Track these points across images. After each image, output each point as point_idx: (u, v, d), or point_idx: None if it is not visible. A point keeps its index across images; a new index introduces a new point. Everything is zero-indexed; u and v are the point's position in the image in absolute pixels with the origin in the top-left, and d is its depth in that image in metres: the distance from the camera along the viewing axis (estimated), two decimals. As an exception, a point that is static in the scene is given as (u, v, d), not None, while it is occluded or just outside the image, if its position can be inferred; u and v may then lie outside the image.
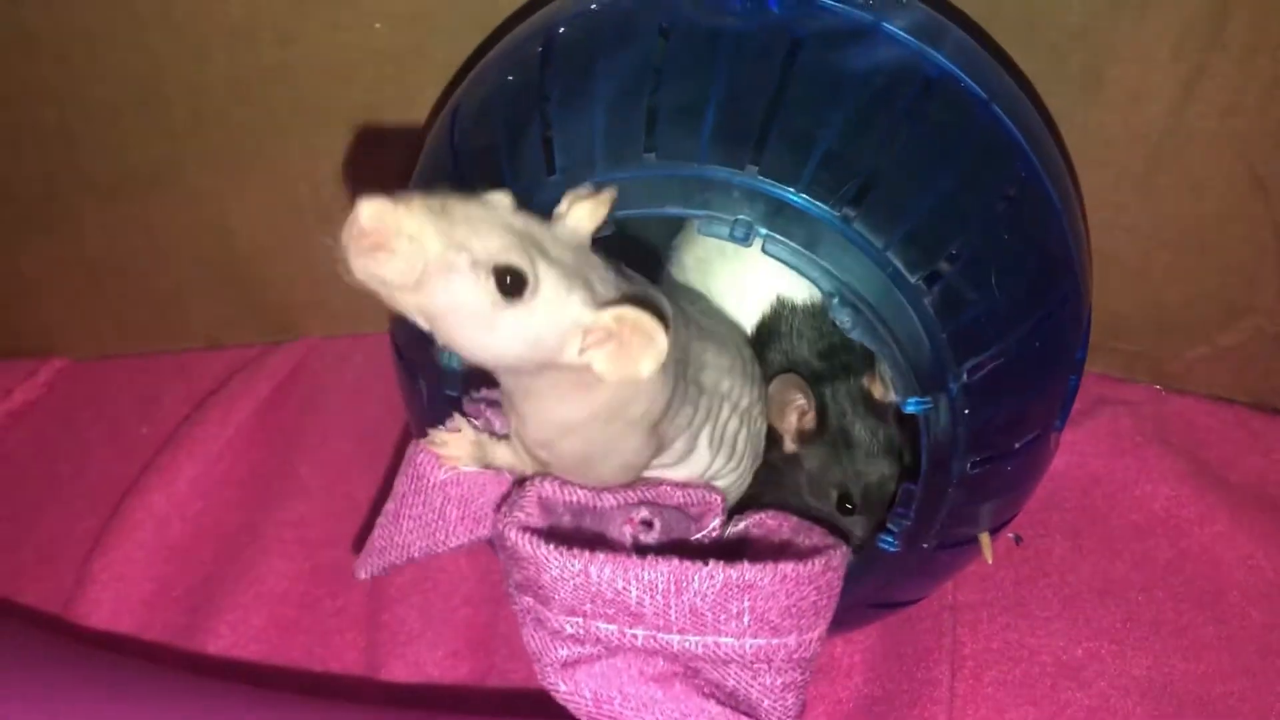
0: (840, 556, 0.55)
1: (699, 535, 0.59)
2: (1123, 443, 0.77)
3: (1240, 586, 0.70)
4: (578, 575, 0.51)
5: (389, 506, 0.58)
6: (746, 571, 0.51)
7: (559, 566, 0.51)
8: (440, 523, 0.57)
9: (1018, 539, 0.73)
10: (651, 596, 0.51)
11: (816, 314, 0.63)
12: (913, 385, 0.51)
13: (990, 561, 0.60)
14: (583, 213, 0.47)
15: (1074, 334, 0.58)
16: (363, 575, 0.58)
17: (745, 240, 0.49)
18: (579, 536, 0.54)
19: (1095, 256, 0.70)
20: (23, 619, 0.73)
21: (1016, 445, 0.55)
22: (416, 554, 0.58)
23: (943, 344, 0.50)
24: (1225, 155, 0.69)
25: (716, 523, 0.58)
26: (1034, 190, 0.54)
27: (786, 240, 0.49)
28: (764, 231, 0.49)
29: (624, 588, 0.51)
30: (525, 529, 0.53)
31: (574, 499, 0.55)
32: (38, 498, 0.82)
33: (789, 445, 0.61)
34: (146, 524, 0.77)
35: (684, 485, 0.58)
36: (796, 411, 0.60)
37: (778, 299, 0.63)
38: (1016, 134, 0.54)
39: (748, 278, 0.63)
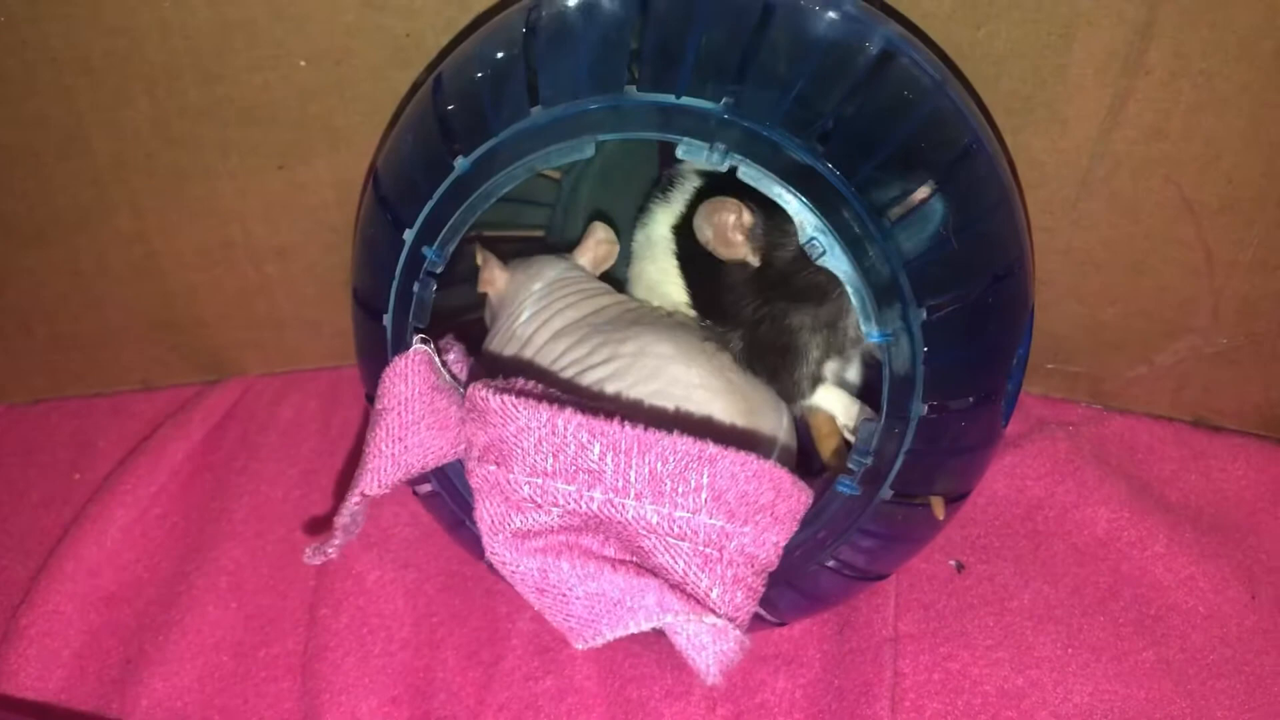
0: (805, 483, 0.57)
1: None
2: (1062, 465, 0.77)
3: (1180, 609, 0.70)
4: (544, 425, 0.53)
5: (388, 422, 0.58)
6: (710, 447, 0.53)
7: (527, 415, 0.53)
8: (452, 427, 0.59)
9: (959, 566, 0.73)
10: (614, 454, 0.53)
11: None
12: (877, 317, 0.53)
13: (941, 518, 0.60)
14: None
15: (1022, 311, 0.60)
16: (375, 490, 0.57)
17: (722, 162, 0.52)
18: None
19: (1029, 280, 0.71)
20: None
21: (970, 400, 0.57)
22: (432, 463, 0.59)
23: (905, 280, 0.53)
24: (1153, 179, 0.69)
25: None
26: (988, 163, 0.58)
27: (760, 166, 0.52)
28: (739, 156, 0.52)
29: (588, 441, 0.53)
30: (495, 388, 0.55)
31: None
32: (-33, 548, 0.80)
33: (749, 257, 0.63)
34: (77, 574, 0.75)
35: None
36: (733, 214, 0.61)
37: None
38: (967, 113, 0.58)
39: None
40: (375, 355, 0.62)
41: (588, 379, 0.62)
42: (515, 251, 0.74)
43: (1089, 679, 0.67)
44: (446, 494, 0.64)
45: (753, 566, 0.55)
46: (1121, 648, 0.68)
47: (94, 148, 0.75)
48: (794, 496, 0.56)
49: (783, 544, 0.56)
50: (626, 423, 0.53)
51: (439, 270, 0.58)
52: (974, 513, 0.75)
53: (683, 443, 0.53)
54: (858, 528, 0.59)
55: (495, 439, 0.55)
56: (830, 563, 0.61)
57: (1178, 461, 0.78)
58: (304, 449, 0.83)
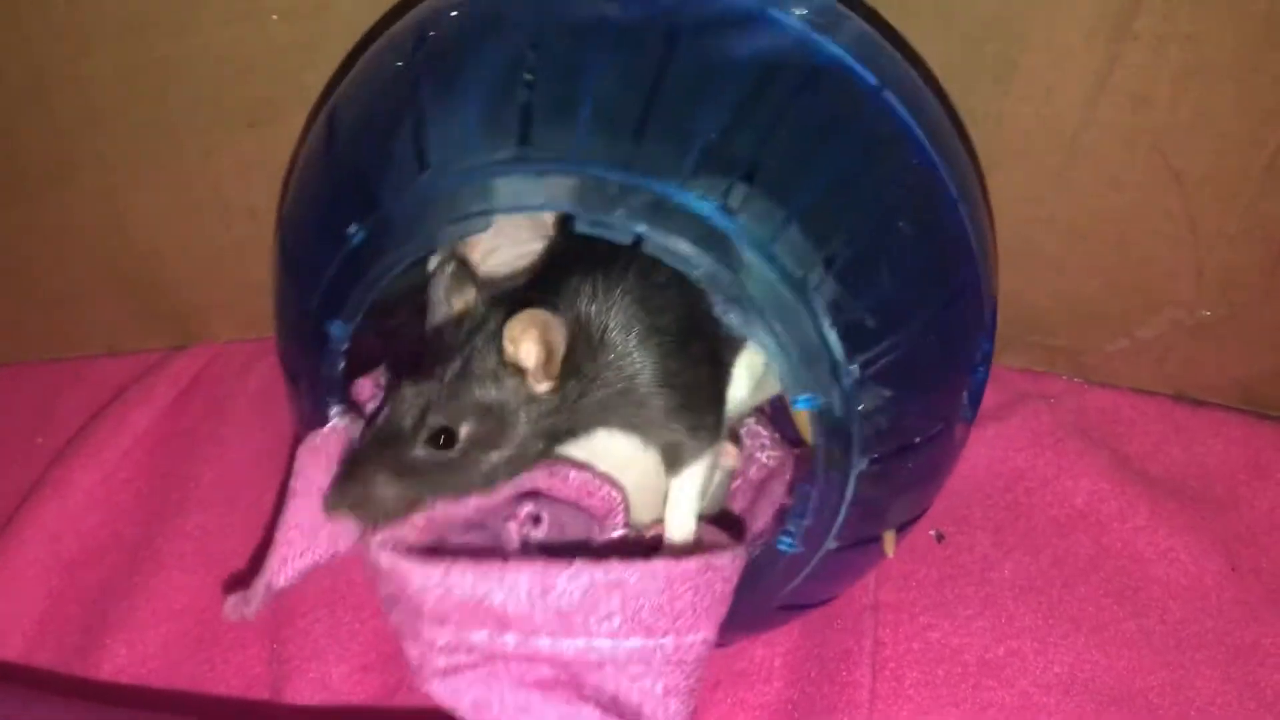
0: (730, 559, 0.53)
1: (604, 538, 0.57)
2: (1044, 438, 0.76)
3: (1160, 581, 0.70)
4: (439, 585, 0.50)
5: (297, 508, 0.55)
6: (614, 570, 0.50)
7: (421, 577, 0.50)
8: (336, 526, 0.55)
9: (940, 537, 0.72)
10: (516, 601, 0.49)
11: None
12: (803, 382, 0.49)
13: (890, 555, 0.59)
14: None
15: (975, 326, 0.57)
16: (283, 583, 0.55)
17: (625, 237, 0.47)
18: (464, 550, 0.53)
19: (1013, 250, 0.70)
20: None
21: (917, 440, 0.53)
22: (343, 549, 0.56)
23: (833, 338, 0.49)
24: (1140, 148, 0.69)
25: (620, 522, 0.57)
26: (928, 180, 0.53)
27: (668, 236, 0.47)
28: (644, 229, 0.47)
29: (487, 593, 0.49)
30: (386, 544, 0.52)
31: (464, 513, 0.54)
32: (-75, 514, 0.78)
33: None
34: (39, 539, 0.73)
35: (583, 473, 0.57)
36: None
37: None
38: (910, 122, 0.52)
39: None
40: (298, 418, 0.59)
41: None
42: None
43: (1069, 649, 0.67)
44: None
45: (684, 670, 0.53)
46: (1102, 618, 0.68)
47: (57, 102, 0.73)
48: (714, 586, 0.53)
49: (712, 637, 0.53)
50: (522, 563, 0.50)
51: (345, 349, 0.53)
52: (954, 484, 0.73)
53: (584, 573, 0.50)
54: (804, 575, 0.56)
55: (397, 593, 0.52)
56: (779, 605, 0.59)
57: (1159, 435, 0.78)
58: (273, 417, 0.81)
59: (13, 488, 0.78)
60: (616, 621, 0.50)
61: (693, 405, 0.56)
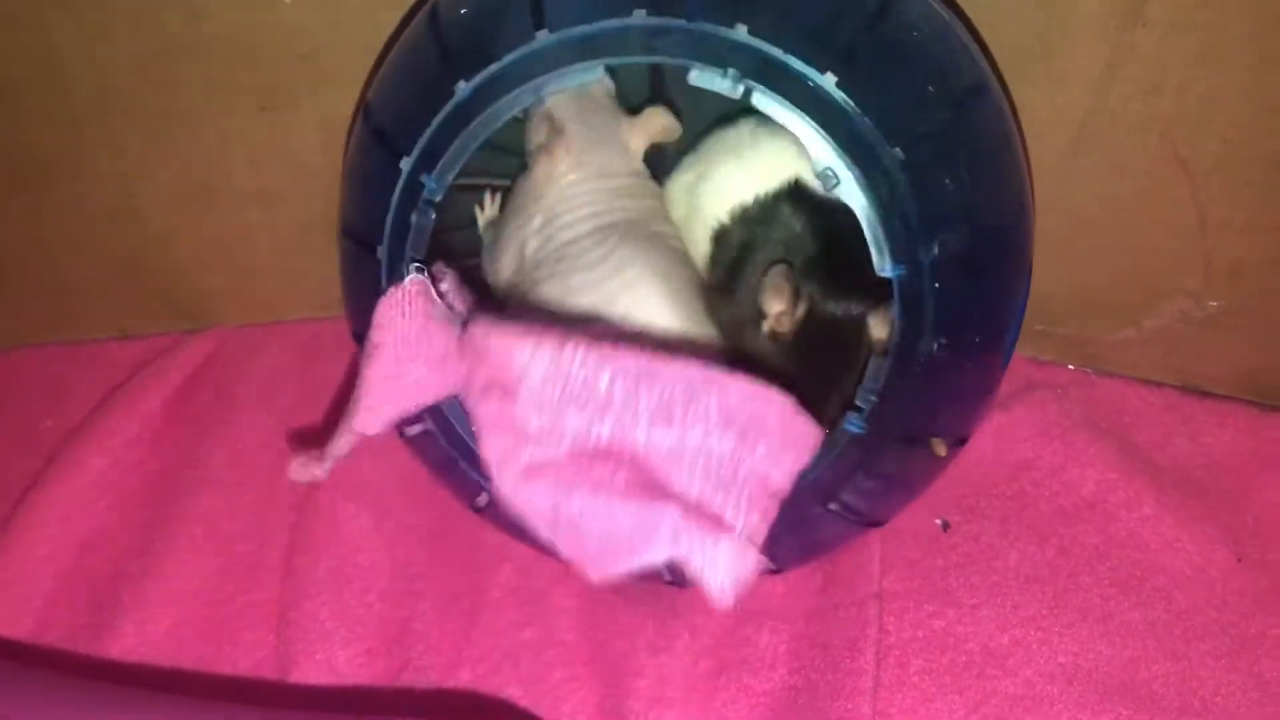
0: (809, 419, 0.55)
1: None
2: (1051, 427, 0.76)
3: (1166, 571, 0.70)
4: (549, 358, 0.52)
5: (384, 358, 0.57)
6: (713, 370, 0.52)
7: (532, 350, 0.52)
8: (448, 362, 0.57)
9: (945, 525, 0.72)
10: (624, 380, 0.52)
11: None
12: (889, 249, 0.53)
13: (943, 454, 0.60)
14: None
15: (1024, 255, 0.60)
16: (371, 429, 0.57)
17: (735, 89, 0.51)
18: None
19: (1021, 238, 0.70)
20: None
21: (976, 339, 0.56)
22: (428, 399, 0.58)
23: (916, 212, 0.52)
24: (1149, 136, 0.69)
25: None
26: (995, 103, 0.58)
27: (776, 94, 0.51)
28: (754, 83, 0.51)
29: (597, 370, 0.51)
30: (496, 325, 0.54)
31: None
32: (-64, 495, 0.78)
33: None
34: (49, 521, 0.74)
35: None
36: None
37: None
38: (980, 60, 0.58)
39: None
40: (367, 290, 0.60)
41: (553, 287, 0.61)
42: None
43: (1074, 639, 0.67)
44: (441, 432, 0.62)
45: (767, 488, 0.54)
46: (1107, 608, 0.68)
47: (72, 85, 0.73)
48: (803, 424, 0.54)
49: (796, 470, 0.55)
50: (633, 349, 0.52)
51: (438, 199, 0.57)
52: (960, 472, 0.74)
53: (690, 367, 0.52)
54: (861, 469, 0.58)
55: (499, 375, 0.53)
56: (833, 506, 0.60)
57: (1166, 426, 0.78)
58: (282, 401, 0.82)
59: (23, 470, 0.78)
60: (714, 419, 0.52)
61: None
